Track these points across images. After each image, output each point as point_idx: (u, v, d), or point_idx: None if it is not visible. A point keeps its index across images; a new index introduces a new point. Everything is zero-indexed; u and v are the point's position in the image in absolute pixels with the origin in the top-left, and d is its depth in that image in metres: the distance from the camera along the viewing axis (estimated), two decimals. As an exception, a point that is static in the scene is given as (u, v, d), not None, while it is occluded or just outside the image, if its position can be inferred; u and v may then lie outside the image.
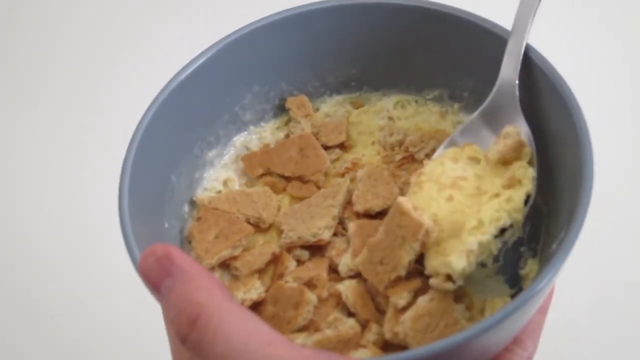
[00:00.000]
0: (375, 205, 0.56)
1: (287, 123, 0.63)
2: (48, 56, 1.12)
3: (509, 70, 0.55)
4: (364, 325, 0.51)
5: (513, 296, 0.53)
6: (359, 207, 0.56)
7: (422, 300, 0.49)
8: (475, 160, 0.55)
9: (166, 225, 0.55)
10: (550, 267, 0.44)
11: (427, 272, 0.50)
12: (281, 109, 0.63)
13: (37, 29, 1.15)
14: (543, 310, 0.54)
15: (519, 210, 0.52)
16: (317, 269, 0.53)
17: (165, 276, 0.41)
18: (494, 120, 0.56)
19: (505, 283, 0.55)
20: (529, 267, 0.54)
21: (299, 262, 0.55)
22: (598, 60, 1.00)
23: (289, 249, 0.55)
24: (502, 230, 0.51)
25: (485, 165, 0.54)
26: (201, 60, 0.57)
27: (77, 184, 0.97)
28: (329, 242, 0.55)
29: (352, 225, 0.54)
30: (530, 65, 0.54)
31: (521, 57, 0.54)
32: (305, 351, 0.38)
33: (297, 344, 0.39)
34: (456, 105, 0.62)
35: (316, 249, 0.55)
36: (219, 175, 0.61)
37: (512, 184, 0.53)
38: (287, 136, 0.63)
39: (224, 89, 0.59)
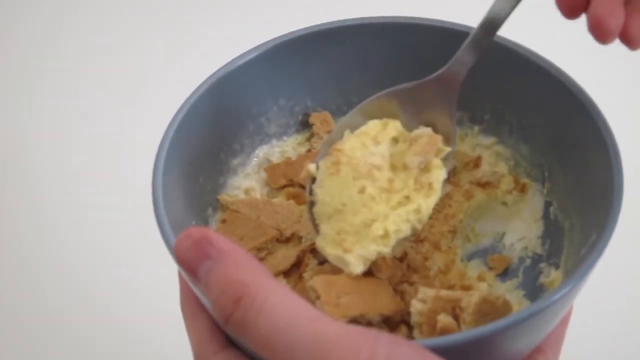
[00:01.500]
0: None
1: (309, 139, 0.64)
2: (79, 55, 1.14)
3: (465, 56, 0.54)
4: (393, 329, 0.51)
5: None
6: None
7: (493, 293, 0.49)
8: (394, 141, 0.55)
9: (193, 223, 0.55)
10: (580, 269, 0.45)
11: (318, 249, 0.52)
12: (304, 125, 0.64)
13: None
14: (564, 322, 0.54)
15: (423, 222, 0.53)
16: (333, 271, 0.54)
17: (203, 258, 0.40)
18: (424, 100, 0.56)
19: (525, 298, 0.56)
20: (553, 276, 0.55)
21: (321, 263, 0.56)
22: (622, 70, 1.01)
23: (312, 251, 0.56)
24: None
25: (403, 149, 0.54)
26: (235, 65, 0.58)
27: (102, 184, 0.98)
28: None
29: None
30: (556, 81, 0.56)
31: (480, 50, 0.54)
32: (354, 328, 0.38)
33: (345, 323, 0.39)
34: (476, 128, 0.63)
35: None
36: (242, 184, 0.61)
37: (423, 187, 0.53)
38: (308, 151, 0.64)
39: (252, 98, 0.61)
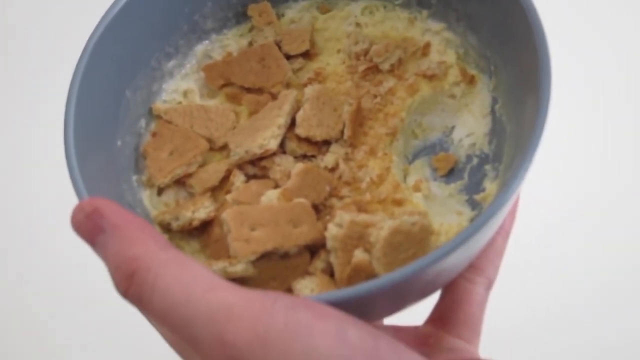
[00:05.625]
0: (318, 134, 0.54)
1: (250, 30, 0.60)
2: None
3: None
4: (314, 252, 0.50)
5: (472, 220, 0.52)
6: (301, 130, 0.54)
7: (407, 220, 0.46)
8: None
9: (119, 143, 0.54)
10: (507, 187, 0.42)
11: None
12: (244, 16, 0.60)
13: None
14: (505, 234, 0.52)
15: None
16: (258, 191, 0.52)
17: (97, 232, 0.40)
18: None
19: (467, 203, 0.53)
20: (489, 189, 0.52)
21: (249, 177, 0.54)
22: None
23: (240, 166, 0.54)
24: None
25: None
26: None
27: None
28: (274, 162, 0.54)
29: (299, 166, 0.52)
30: None
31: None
32: (249, 294, 0.37)
33: (242, 288, 0.38)
34: (425, 12, 0.58)
35: (265, 169, 0.54)
36: (179, 87, 0.59)
37: None
38: (250, 44, 0.60)
39: (181, -2, 0.57)
